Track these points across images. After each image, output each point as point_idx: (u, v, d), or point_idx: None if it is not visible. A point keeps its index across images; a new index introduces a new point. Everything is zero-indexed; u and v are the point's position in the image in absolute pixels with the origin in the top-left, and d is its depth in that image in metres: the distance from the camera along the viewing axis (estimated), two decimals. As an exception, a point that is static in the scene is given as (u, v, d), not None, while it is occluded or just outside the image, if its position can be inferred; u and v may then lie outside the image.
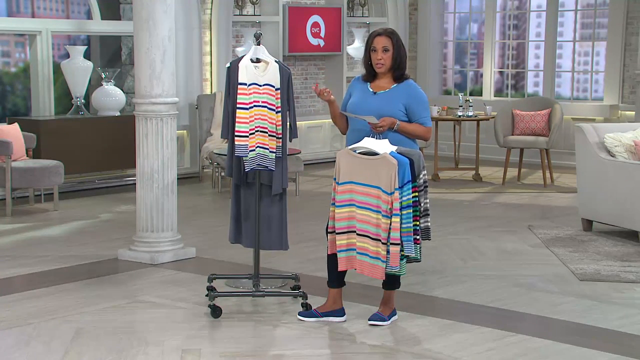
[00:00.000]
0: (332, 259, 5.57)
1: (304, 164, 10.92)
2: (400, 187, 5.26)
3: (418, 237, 5.36)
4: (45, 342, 5.21)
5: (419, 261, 5.48)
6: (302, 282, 6.21)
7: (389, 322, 5.59)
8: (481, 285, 6.54)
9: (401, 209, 5.26)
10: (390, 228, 5.26)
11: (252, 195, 6.03)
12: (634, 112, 11.94)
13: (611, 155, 8.18)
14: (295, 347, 5.20)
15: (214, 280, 6.19)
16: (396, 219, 5.25)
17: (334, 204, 5.48)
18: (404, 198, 5.27)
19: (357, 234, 5.41)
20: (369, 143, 5.38)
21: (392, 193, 5.24)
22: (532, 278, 6.74)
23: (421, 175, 5.38)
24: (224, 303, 5.85)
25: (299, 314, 5.69)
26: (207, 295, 5.92)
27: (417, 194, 5.33)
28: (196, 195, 10.40)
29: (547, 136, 11.12)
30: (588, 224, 8.43)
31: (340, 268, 5.50)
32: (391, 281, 5.58)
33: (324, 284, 5.75)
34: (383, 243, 5.29)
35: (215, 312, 5.69)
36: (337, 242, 5.46)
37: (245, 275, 6.27)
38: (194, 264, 7.12)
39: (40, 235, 8.26)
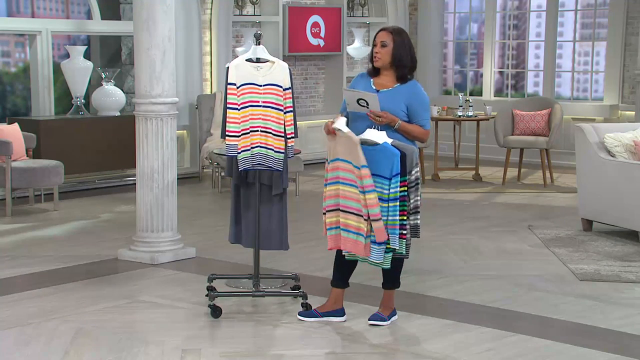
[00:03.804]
0: (339, 257, 5.57)
1: (304, 164, 10.92)
2: (389, 179, 5.27)
3: (405, 232, 5.36)
4: (45, 342, 5.21)
5: (406, 257, 5.47)
6: (302, 282, 6.20)
7: (388, 322, 5.59)
8: (481, 285, 6.53)
9: (388, 200, 5.28)
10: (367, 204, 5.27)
11: (252, 196, 6.02)
12: (634, 112, 11.93)
13: (611, 155, 8.17)
14: (295, 347, 5.20)
15: (214, 280, 6.19)
16: (370, 196, 5.25)
17: (326, 184, 5.50)
18: (391, 190, 5.29)
19: (341, 211, 5.42)
20: (369, 134, 5.41)
21: (359, 168, 5.25)
22: (532, 278, 6.73)
23: (413, 172, 5.40)
24: (224, 303, 5.84)
25: (299, 314, 5.69)
26: (207, 295, 5.91)
27: (406, 188, 5.33)
28: (196, 195, 10.40)
29: (547, 136, 11.12)
30: (588, 224, 8.43)
31: (330, 247, 5.50)
32: (391, 281, 5.59)
33: (324, 284, 5.75)
34: (365, 219, 5.30)
35: (215, 312, 5.69)
36: (327, 220, 5.47)
37: (245, 275, 6.27)
38: (194, 264, 7.12)
39: (40, 235, 8.26)
